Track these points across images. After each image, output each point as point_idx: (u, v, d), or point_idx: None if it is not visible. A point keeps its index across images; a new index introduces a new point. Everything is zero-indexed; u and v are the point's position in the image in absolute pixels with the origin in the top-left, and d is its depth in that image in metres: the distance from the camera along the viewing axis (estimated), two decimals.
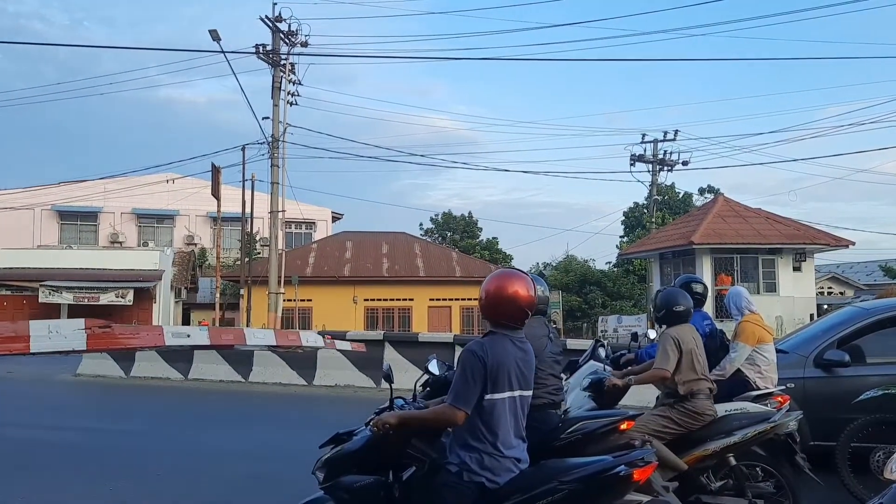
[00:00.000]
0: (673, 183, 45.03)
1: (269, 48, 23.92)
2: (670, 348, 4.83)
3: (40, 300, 29.35)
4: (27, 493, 5.84)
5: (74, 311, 28.37)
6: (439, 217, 50.31)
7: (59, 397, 12.54)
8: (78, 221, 40.01)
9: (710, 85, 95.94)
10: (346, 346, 10.62)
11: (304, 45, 24.33)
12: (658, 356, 4.90)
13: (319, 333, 9.64)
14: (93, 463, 7.09)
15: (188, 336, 6.93)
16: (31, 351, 4.72)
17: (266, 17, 23.63)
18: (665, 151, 35.39)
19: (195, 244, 40.19)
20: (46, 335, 4.76)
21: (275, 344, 8.42)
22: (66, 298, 29.57)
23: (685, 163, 35.03)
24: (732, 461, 4.86)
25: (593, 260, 48.32)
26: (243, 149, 27.44)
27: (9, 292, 30.46)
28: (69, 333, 4.82)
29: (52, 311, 28.71)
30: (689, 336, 4.93)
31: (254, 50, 23.70)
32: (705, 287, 6.17)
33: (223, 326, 26.34)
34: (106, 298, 29.80)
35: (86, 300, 29.58)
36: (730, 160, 50.93)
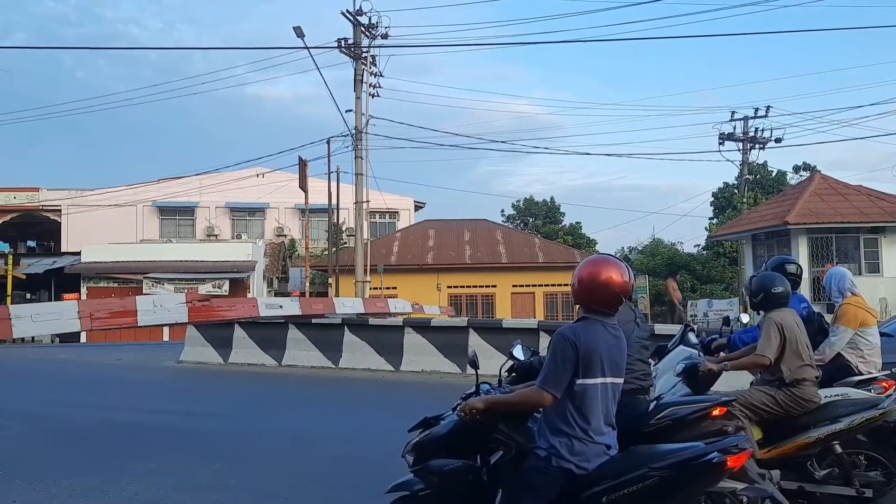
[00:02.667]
0: (765, 161, 43.19)
1: (350, 42, 24.33)
2: (773, 334, 4.66)
3: (144, 291, 31.08)
4: (136, 472, 6.22)
5: None
6: (521, 203, 50.03)
7: (163, 383, 13.25)
8: (176, 216, 41.95)
9: (804, 57, 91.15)
10: (436, 310, 10.78)
11: (385, 36, 24.64)
12: (761, 341, 4.74)
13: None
14: (196, 444, 7.48)
15: (280, 307, 7.22)
16: (139, 324, 5.06)
17: (347, 10, 24.05)
18: (756, 129, 33.90)
19: (285, 235, 41.48)
20: (152, 310, 5.10)
21: (363, 311, 8.64)
22: (168, 290, 31.22)
23: (778, 140, 33.46)
24: (838, 449, 4.67)
25: (681, 243, 47.07)
26: (328, 142, 28.10)
27: (116, 284, 32.38)
28: (172, 307, 5.14)
29: None
30: (791, 321, 4.75)
31: (336, 44, 24.17)
32: (800, 268, 5.90)
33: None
34: (204, 289, 31.28)
35: (185, 291, 31.14)
36: (827, 135, 48.53)
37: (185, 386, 13.03)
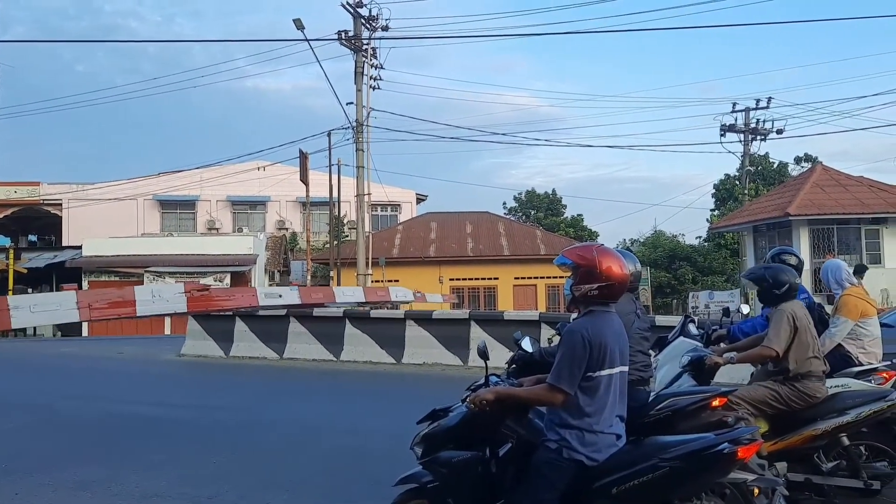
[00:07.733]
0: (767, 153, 43.26)
1: (350, 34, 24.26)
2: (785, 325, 4.59)
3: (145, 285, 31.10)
4: (139, 464, 6.24)
5: None
6: (523, 195, 50.06)
7: (165, 376, 13.26)
8: (177, 210, 41.89)
9: (807, 48, 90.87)
10: (439, 298, 10.80)
11: (385, 28, 24.57)
12: (771, 333, 4.67)
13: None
14: (198, 437, 7.50)
15: (280, 296, 7.21)
16: (138, 314, 5.06)
17: (347, 2, 23.97)
18: (758, 120, 33.90)
19: (286, 229, 41.45)
20: (150, 300, 5.10)
21: (364, 300, 8.64)
22: (169, 283, 31.23)
23: (779, 131, 33.48)
24: (846, 441, 4.67)
25: (682, 235, 47.21)
26: (329, 134, 28.07)
27: (117, 278, 32.36)
28: (171, 297, 5.14)
29: None
30: (802, 312, 4.72)
31: (336, 36, 24.10)
32: (799, 259, 5.88)
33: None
34: (205, 282, 31.28)
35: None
36: (829, 126, 48.40)
37: (187, 379, 13.05)
